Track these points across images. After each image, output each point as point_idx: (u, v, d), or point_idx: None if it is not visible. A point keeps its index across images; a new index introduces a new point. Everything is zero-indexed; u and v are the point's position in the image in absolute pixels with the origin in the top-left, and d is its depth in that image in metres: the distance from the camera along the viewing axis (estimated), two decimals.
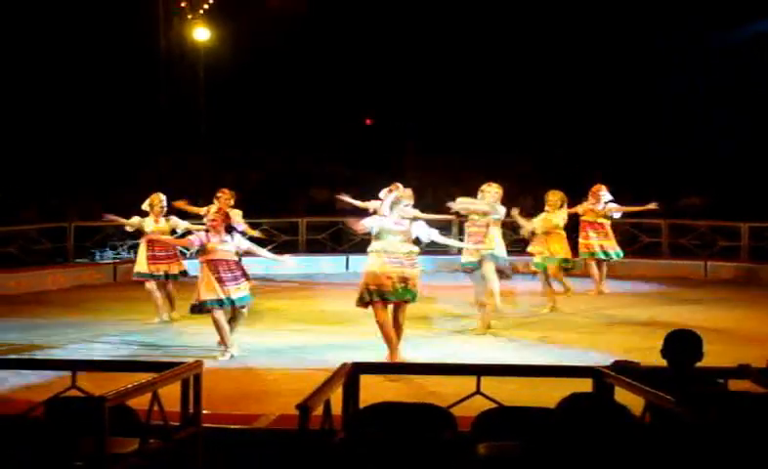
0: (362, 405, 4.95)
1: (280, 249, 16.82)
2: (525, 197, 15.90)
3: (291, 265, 10.60)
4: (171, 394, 5.02)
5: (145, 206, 11.16)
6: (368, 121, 24.01)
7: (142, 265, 10.94)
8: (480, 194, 9.90)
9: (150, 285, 10.91)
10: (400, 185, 12.55)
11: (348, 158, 21.63)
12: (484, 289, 9.88)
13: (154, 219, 11.04)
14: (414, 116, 21.74)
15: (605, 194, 13.08)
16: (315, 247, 17.34)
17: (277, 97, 21.39)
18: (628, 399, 4.57)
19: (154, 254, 10.90)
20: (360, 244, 13.62)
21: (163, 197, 11.18)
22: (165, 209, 11.19)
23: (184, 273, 11.14)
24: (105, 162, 19.25)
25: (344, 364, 5.00)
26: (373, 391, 5.45)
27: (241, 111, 21.47)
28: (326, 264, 16.53)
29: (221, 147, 21.43)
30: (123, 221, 11.35)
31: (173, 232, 11.05)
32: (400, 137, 22.57)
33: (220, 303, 8.71)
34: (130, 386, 4.56)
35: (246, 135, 21.75)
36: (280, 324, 10.82)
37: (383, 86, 21.52)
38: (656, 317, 11.13)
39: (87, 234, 15.92)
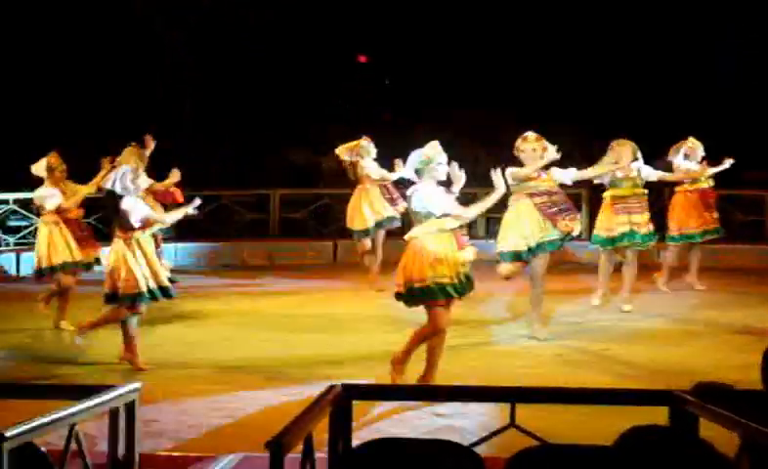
0: (354, 441, 4.92)
1: (244, 231, 16.90)
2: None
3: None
4: (95, 429, 5.00)
5: (42, 171, 10.71)
6: (362, 58, 24.16)
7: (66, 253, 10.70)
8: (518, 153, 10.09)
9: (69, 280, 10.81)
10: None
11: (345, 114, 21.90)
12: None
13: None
14: (438, 70, 22.54)
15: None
16: (291, 230, 17.18)
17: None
18: (717, 434, 4.54)
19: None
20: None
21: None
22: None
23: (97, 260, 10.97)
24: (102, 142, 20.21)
25: (331, 387, 4.96)
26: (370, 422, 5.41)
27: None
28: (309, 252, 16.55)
29: None
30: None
31: None
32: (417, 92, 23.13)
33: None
34: (39, 419, 4.50)
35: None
36: (248, 332, 10.84)
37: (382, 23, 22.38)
38: (753, 323, 11.01)
39: None
